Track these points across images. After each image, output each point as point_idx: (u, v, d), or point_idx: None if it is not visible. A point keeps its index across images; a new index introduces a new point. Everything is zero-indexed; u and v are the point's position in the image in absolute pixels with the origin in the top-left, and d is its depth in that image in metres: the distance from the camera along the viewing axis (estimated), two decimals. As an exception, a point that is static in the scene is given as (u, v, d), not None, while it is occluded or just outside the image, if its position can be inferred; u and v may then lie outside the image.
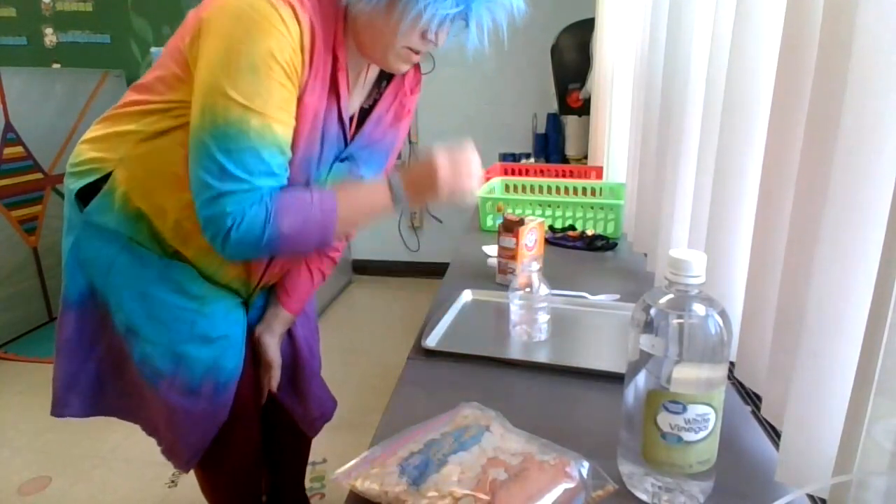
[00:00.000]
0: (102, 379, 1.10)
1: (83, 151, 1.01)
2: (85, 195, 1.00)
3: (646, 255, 1.44)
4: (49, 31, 3.83)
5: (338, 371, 2.63)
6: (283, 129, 0.87)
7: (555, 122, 3.36)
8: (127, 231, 0.99)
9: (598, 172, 2.22)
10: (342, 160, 1.03)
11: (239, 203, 0.86)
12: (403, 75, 1.11)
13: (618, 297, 1.22)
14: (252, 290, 1.13)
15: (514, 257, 1.26)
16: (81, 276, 1.04)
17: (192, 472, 1.20)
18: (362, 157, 1.07)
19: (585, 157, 2.82)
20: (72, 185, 1.01)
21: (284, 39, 0.83)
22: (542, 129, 3.52)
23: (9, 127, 2.95)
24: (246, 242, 0.88)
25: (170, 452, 1.13)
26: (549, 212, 1.76)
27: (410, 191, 0.95)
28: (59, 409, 1.09)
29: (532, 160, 3.23)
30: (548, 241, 1.60)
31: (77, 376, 1.08)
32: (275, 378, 1.22)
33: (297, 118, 0.90)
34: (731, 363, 0.87)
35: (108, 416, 1.14)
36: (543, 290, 1.02)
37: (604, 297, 1.21)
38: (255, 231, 0.87)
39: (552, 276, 1.26)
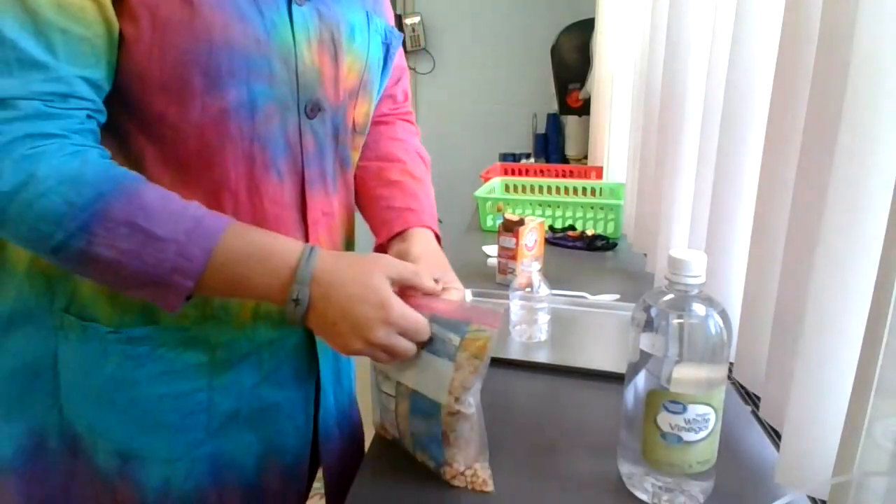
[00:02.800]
0: None
1: None
2: None
3: (646, 255, 1.44)
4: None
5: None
6: None
7: (555, 122, 3.36)
8: (58, 299, 0.66)
9: (598, 172, 2.22)
10: (300, 3, 0.65)
11: None
12: None
13: (618, 297, 1.22)
14: None
15: (514, 257, 1.26)
16: (19, 423, 0.69)
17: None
18: None
19: (585, 157, 2.82)
20: None
21: None
22: (542, 129, 3.52)
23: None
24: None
25: None
26: (549, 212, 1.76)
27: (331, 277, 0.60)
28: None
29: (532, 160, 3.23)
30: (548, 241, 1.60)
31: None
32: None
33: None
34: (731, 363, 0.87)
35: None
36: (543, 290, 1.02)
37: (604, 297, 1.21)
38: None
39: (552, 276, 1.26)
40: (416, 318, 0.62)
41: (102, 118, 0.60)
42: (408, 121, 0.94)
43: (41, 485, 0.70)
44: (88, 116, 0.58)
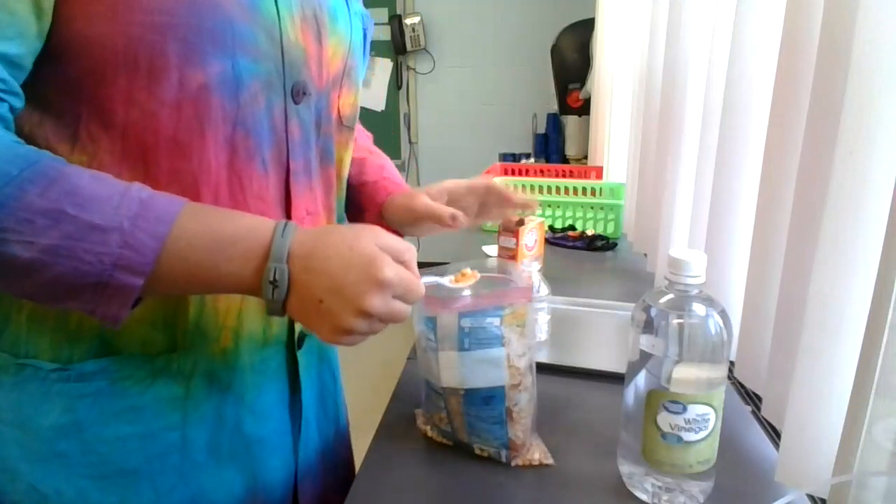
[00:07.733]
0: None
1: None
2: None
3: (646, 255, 1.44)
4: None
5: (338, 371, 2.63)
6: None
7: (555, 122, 3.36)
8: None
9: (598, 172, 2.22)
10: None
11: None
12: None
13: (618, 297, 1.22)
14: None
15: (514, 257, 1.26)
16: None
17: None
18: None
19: (585, 157, 2.82)
20: None
21: None
22: (542, 129, 3.52)
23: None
24: None
25: None
26: (549, 212, 1.76)
27: (311, 248, 0.51)
28: None
29: (532, 160, 3.23)
30: (548, 241, 1.60)
31: None
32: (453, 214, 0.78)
33: None
34: (731, 363, 0.87)
35: None
36: (543, 290, 1.02)
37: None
38: None
39: (552, 277, 1.26)
40: (409, 278, 0.52)
41: (18, 103, 0.49)
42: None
43: None
44: (0, 99, 0.47)
